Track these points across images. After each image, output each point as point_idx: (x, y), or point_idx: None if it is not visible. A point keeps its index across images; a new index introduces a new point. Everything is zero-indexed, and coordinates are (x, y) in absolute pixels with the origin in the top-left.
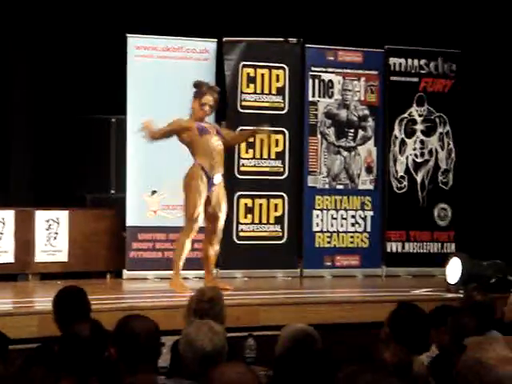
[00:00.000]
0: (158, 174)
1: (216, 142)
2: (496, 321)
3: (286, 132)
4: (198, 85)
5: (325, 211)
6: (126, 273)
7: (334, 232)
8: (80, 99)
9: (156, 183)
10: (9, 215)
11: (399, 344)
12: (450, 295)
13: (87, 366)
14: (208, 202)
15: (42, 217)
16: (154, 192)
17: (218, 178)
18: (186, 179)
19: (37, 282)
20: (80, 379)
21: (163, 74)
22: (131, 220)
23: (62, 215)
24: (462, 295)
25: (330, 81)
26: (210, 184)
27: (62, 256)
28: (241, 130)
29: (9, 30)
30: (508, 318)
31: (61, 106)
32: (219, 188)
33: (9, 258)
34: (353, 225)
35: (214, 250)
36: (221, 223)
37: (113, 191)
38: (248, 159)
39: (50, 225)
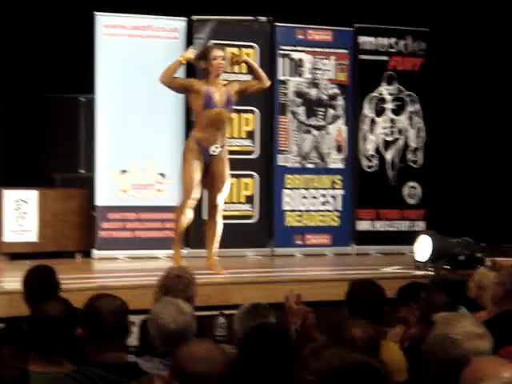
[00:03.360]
0: (127, 154)
1: (218, 116)
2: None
3: (257, 111)
4: (199, 53)
5: (295, 190)
6: (95, 252)
7: (305, 211)
8: (49, 78)
9: (126, 163)
10: None
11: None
12: (418, 273)
13: (56, 345)
14: (208, 173)
15: (10, 196)
16: (123, 171)
17: (215, 150)
18: (183, 151)
19: (6, 262)
20: (49, 358)
21: (132, 52)
22: (101, 199)
23: (31, 195)
24: (431, 272)
25: (300, 59)
26: (207, 155)
27: (32, 236)
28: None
29: None
30: (473, 295)
31: (29, 84)
32: (218, 159)
33: None
34: (323, 204)
35: (216, 225)
36: (222, 196)
37: (82, 171)
38: None
39: (18, 204)
